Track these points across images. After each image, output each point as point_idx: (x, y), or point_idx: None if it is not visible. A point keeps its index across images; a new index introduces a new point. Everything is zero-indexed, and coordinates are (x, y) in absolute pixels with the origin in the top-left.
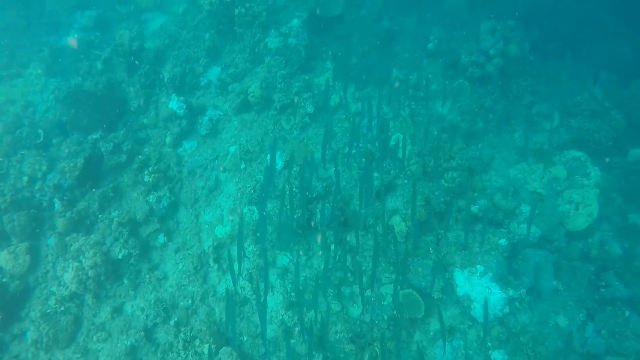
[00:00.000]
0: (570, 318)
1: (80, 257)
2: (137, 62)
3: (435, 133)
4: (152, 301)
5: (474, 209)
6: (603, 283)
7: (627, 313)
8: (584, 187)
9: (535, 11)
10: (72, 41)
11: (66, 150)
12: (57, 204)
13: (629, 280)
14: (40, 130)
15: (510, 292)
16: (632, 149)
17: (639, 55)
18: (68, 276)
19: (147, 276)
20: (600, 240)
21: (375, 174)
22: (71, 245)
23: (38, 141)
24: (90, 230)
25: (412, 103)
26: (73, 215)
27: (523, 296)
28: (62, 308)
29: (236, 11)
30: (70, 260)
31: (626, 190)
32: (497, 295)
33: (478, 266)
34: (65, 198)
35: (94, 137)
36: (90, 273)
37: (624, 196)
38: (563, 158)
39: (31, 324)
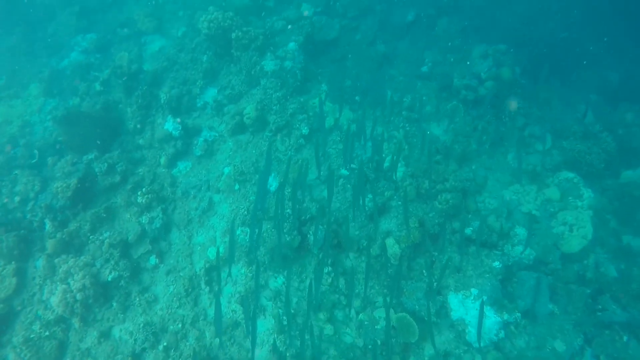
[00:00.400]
0: (568, 342)
1: (69, 279)
2: (134, 83)
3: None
4: (141, 325)
5: (468, 231)
6: (600, 306)
7: (625, 338)
8: (578, 209)
9: (525, 37)
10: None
11: (60, 171)
12: (48, 225)
13: (626, 304)
14: (35, 151)
15: (505, 316)
16: (624, 171)
17: (626, 81)
18: (55, 299)
19: (137, 299)
20: (596, 262)
21: (369, 196)
22: (60, 267)
23: (33, 161)
24: (80, 251)
25: (407, 125)
26: (63, 236)
27: (518, 320)
28: (47, 333)
29: (233, 35)
30: (58, 283)
31: (620, 211)
32: (491, 319)
33: (472, 289)
34: (56, 219)
35: (89, 157)
36: (78, 296)
37: (617, 218)
38: (556, 179)
39: (12, 350)
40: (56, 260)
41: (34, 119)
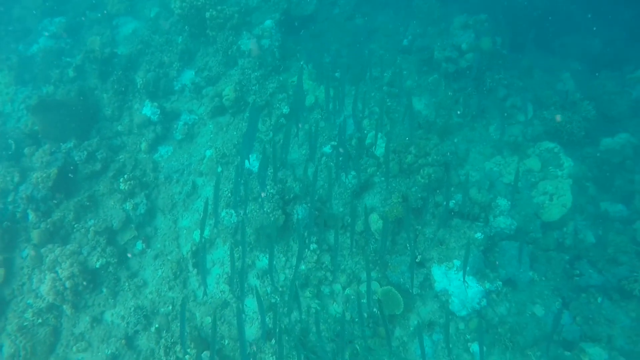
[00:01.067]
0: (547, 307)
1: (57, 268)
2: (109, 68)
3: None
4: (132, 309)
5: (451, 203)
6: (577, 272)
7: (599, 299)
8: (558, 178)
9: (507, 4)
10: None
11: (39, 161)
12: (31, 216)
13: (602, 268)
14: (11, 141)
15: (487, 285)
16: (603, 139)
17: (608, 47)
18: (45, 288)
19: (127, 284)
20: (575, 229)
21: (352, 173)
22: (47, 256)
23: (9, 152)
24: (66, 240)
25: (388, 100)
26: (48, 226)
27: (500, 288)
28: (40, 320)
29: (207, 14)
30: (46, 272)
31: (599, 179)
32: (474, 289)
33: (455, 261)
34: (39, 209)
35: (68, 146)
36: (67, 284)
37: (596, 185)
38: (537, 150)
39: (7, 337)
40: (42, 250)
41: (7, 109)
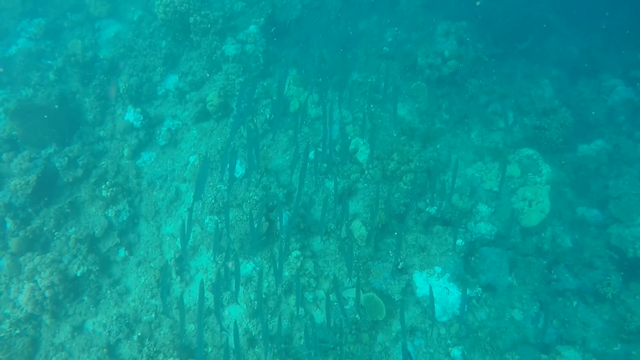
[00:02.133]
0: (525, 311)
1: (36, 277)
2: (90, 72)
3: (395, 135)
4: (114, 317)
5: (432, 210)
6: (555, 276)
7: (575, 303)
8: (537, 185)
9: (488, 12)
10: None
11: (17, 167)
12: (9, 223)
13: (578, 272)
14: None
15: (467, 291)
16: (580, 145)
17: (585, 55)
18: (23, 297)
19: (109, 292)
20: (553, 234)
21: (337, 179)
22: (25, 265)
23: None
24: (46, 248)
25: (372, 105)
26: (27, 234)
27: (480, 294)
28: (18, 331)
29: (191, 19)
30: (25, 281)
31: (576, 184)
32: (454, 295)
33: (436, 267)
34: (17, 217)
35: (48, 151)
36: (47, 293)
37: (574, 190)
38: (517, 156)
39: None
40: (21, 259)
41: None
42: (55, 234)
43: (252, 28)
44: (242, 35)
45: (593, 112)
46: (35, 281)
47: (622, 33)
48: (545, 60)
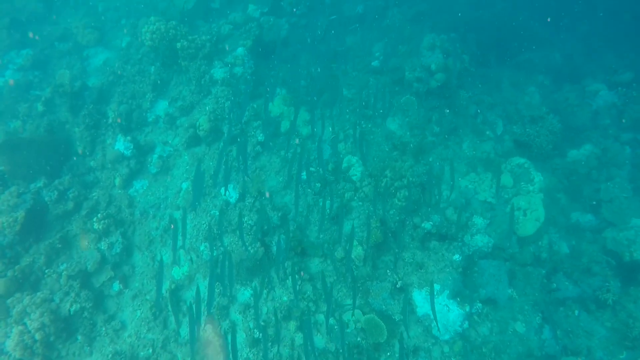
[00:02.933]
0: (528, 323)
1: (25, 320)
2: (79, 101)
3: (387, 150)
4: (110, 355)
5: (427, 225)
6: (554, 285)
7: (576, 312)
8: (530, 193)
9: (473, 23)
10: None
11: (5, 204)
12: None
13: (577, 278)
14: None
15: (467, 308)
16: (570, 150)
17: (568, 61)
18: (10, 343)
19: (104, 328)
20: (549, 241)
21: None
22: (14, 307)
23: None
24: (36, 287)
25: (362, 122)
26: (16, 274)
27: (480, 309)
28: None
29: (179, 45)
30: (13, 325)
31: (569, 189)
32: (455, 312)
33: (435, 285)
34: (5, 256)
35: (37, 185)
36: (37, 336)
37: (567, 195)
38: (509, 165)
39: None
40: (9, 301)
41: None
42: (46, 271)
43: (240, 50)
44: (230, 57)
45: (579, 117)
46: (24, 324)
47: (603, 39)
48: (531, 68)
